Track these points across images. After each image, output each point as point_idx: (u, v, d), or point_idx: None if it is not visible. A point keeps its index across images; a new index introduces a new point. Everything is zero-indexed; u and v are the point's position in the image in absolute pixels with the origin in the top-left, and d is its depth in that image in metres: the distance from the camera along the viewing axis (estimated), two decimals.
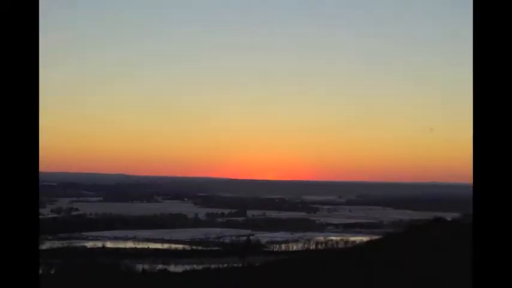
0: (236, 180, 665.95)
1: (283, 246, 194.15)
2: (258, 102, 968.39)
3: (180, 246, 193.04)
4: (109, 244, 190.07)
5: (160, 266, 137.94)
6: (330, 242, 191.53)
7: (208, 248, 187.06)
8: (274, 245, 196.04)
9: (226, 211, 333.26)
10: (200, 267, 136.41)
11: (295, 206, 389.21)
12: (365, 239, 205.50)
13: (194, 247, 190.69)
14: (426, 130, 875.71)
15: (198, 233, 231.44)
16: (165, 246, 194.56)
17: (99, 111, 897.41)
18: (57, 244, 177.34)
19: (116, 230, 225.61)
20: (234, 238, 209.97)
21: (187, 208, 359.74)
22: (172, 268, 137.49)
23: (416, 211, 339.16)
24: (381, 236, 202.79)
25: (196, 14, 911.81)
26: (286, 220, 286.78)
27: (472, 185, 13.89)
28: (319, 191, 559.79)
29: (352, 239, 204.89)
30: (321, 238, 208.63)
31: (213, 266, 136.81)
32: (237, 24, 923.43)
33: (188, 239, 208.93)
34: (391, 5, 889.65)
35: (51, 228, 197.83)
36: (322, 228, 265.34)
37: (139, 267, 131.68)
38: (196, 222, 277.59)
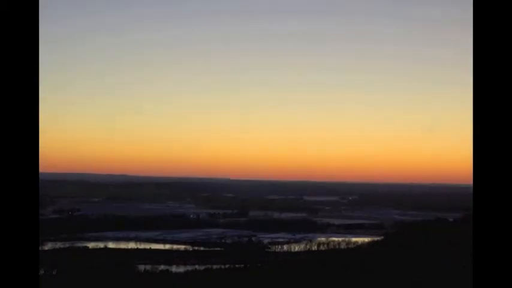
0: (238, 180, 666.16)
1: (285, 247, 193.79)
2: (258, 102, 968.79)
3: (182, 247, 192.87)
4: (111, 245, 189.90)
5: (162, 267, 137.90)
6: (331, 243, 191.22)
7: (210, 249, 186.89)
8: (276, 246, 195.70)
9: (228, 212, 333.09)
10: (202, 267, 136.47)
11: (296, 207, 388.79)
12: (366, 239, 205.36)
13: (196, 248, 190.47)
14: (426, 131, 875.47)
15: (200, 233, 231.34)
16: (167, 246, 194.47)
17: (100, 113, 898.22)
18: (59, 245, 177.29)
19: (117, 231, 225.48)
20: (235, 239, 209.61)
21: (189, 209, 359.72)
22: (174, 269, 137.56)
23: (417, 211, 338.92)
24: (382, 237, 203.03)
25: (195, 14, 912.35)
26: (287, 221, 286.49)
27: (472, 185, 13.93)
28: (321, 191, 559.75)
29: (354, 239, 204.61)
30: (322, 239, 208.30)
31: (215, 267, 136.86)
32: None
33: (190, 240, 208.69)
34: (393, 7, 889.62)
35: (53, 229, 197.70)
36: (323, 229, 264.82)
37: (142, 267, 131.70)
38: (198, 223, 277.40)
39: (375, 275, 77.85)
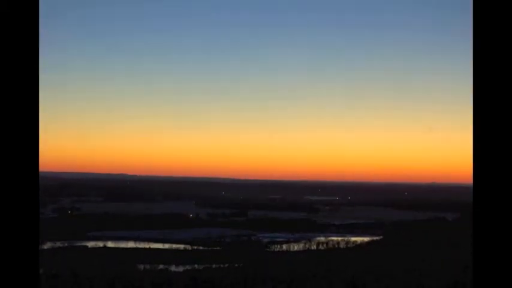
0: (238, 180, 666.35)
1: (284, 247, 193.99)
2: (258, 102, 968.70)
3: (181, 246, 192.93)
4: (110, 244, 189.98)
5: (161, 266, 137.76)
6: (331, 243, 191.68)
7: (209, 248, 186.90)
8: (275, 245, 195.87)
9: (227, 211, 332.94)
10: (201, 267, 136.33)
11: (296, 206, 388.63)
12: (366, 239, 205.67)
13: (195, 247, 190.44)
14: (426, 130, 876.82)
15: (199, 233, 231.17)
16: (167, 246, 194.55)
17: (99, 112, 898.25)
18: (58, 244, 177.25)
19: (117, 231, 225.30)
20: (235, 238, 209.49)
21: (188, 208, 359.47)
22: (173, 268, 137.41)
23: (417, 211, 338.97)
24: (381, 236, 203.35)
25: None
26: (287, 220, 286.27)
27: (472, 186, 13.91)
28: (320, 191, 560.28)
29: (353, 239, 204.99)
30: (321, 238, 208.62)
31: (214, 266, 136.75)
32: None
33: (189, 239, 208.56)
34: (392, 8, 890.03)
35: (52, 228, 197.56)
36: (323, 228, 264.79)
37: (141, 266, 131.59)
38: (197, 222, 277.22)
39: (374, 274, 77.84)
